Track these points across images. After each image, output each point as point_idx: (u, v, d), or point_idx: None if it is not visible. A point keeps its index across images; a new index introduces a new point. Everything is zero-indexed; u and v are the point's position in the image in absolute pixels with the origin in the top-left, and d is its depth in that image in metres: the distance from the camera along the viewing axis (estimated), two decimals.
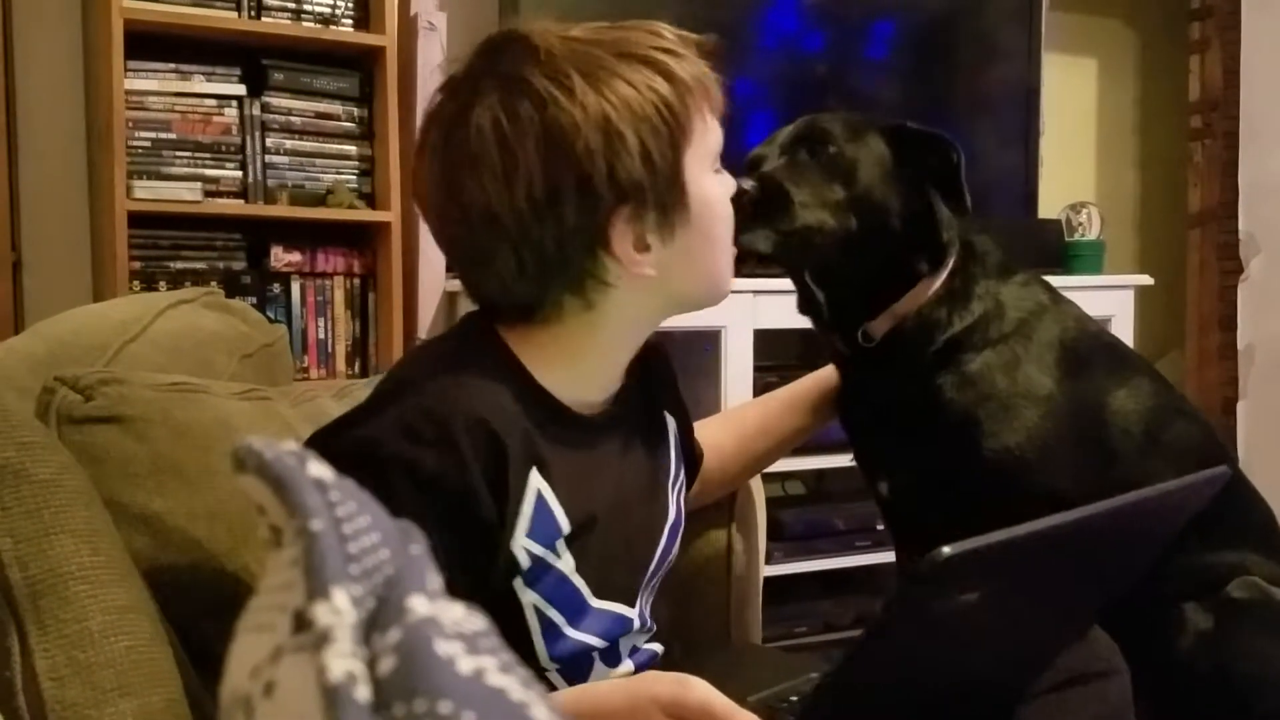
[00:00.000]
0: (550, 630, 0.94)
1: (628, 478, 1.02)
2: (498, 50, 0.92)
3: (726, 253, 0.99)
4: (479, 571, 0.88)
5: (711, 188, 0.96)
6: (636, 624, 1.02)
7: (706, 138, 0.95)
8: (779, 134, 1.25)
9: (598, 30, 0.93)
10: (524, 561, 0.91)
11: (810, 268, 1.23)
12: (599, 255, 0.91)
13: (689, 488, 1.20)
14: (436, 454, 0.84)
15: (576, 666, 0.97)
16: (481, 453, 0.86)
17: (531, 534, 0.91)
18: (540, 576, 0.93)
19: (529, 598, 0.93)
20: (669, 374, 1.14)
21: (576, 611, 0.96)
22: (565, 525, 0.93)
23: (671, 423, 1.11)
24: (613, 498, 0.99)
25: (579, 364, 0.96)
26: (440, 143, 0.92)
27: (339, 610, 0.30)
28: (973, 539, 0.64)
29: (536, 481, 0.91)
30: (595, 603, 0.97)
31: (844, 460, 2.46)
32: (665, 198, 0.91)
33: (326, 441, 0.88)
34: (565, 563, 0.94)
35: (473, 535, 0.87)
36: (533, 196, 0.88)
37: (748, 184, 1.14)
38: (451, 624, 0.31)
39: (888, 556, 2.41)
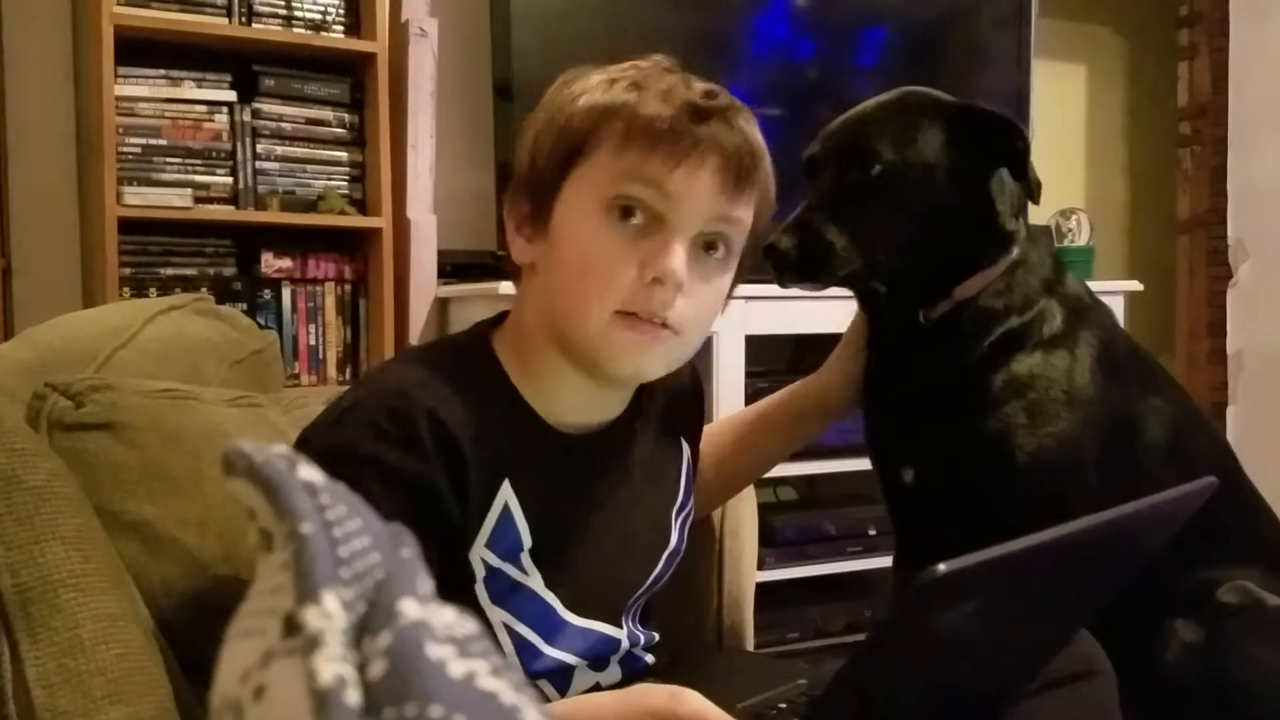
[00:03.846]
0: (526, 649, 0.94)
1: (620, 502, 1.01)
2: None
3: (583, 302, 0.91)
4: (439, 575, 0.87)
5: (584, 228, 0.91)
6: (625, 644, 1.01)
7: (611, 177, 0.90)
8: (825, 134, 1.23)
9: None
10: (479, 572, 0.91)
11: (862, 285, 1.22)
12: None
13: None
14: (401, 451, 0.85)
15: (561, 677, 0.97)
16: (442, 454, 0.86)
17: (491, 545, 0.91)
18: (506, 593, 0.92)
19: (497, 615, 0.92)
20: (695, 408, 1.15)
21: (553, 629, 0.95)
22: (527, 540, 0.92)
23: (686, 452, 1.12)
24: (596, 520, 0.98)
25: (540, 377, 0.96)
26: None
27: (329, 614, 0.30)
28: (968, 555, 0.64)
29: (506, 494, 0.91)
30: (573, 619, 0.96)
31: (835, 466, 2.45)
32: (534, 194, 0.95)
33: (302, 446, 0.89)
34: (534, 579, 0.93)
35: (439, 535, 0.87)
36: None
37: (785, 242, 1.12)
38: (443, 627, 0.31)
39: (879, 562, 2.41)
